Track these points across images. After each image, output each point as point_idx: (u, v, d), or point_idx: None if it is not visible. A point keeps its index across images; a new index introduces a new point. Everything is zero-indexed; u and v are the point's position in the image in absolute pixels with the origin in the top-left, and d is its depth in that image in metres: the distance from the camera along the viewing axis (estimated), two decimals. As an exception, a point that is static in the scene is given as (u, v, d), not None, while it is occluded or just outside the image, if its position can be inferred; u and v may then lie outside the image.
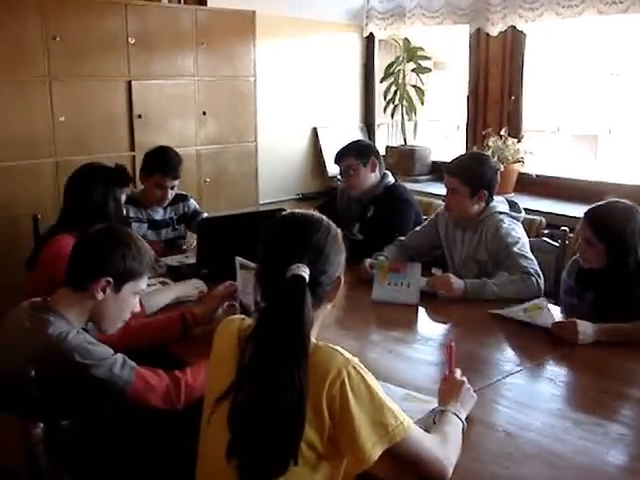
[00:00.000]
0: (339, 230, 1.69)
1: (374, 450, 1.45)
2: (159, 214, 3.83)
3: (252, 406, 1.45)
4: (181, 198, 3.91)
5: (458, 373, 1.96)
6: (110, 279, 2.02)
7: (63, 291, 2.07)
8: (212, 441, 1.57)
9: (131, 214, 3.66)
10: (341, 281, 1.64)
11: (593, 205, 2.70)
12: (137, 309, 2.19)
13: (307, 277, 1.50)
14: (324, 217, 1.67)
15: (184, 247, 3.78)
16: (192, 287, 2.94)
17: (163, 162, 3.69)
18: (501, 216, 3.11)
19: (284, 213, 1.68)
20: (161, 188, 3.67)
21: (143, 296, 2.54)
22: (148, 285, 2.85)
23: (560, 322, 2.51)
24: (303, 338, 1.47)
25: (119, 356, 2.02)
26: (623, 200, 2.67)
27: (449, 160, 3.32)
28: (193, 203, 3.98)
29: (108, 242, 2.06)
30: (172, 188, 3.71)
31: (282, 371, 1.43)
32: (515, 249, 2.98)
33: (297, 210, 1.71)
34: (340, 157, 3.77)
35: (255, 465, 1.43)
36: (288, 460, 1.41)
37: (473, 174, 3.10)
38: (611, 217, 2.63)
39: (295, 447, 1.41)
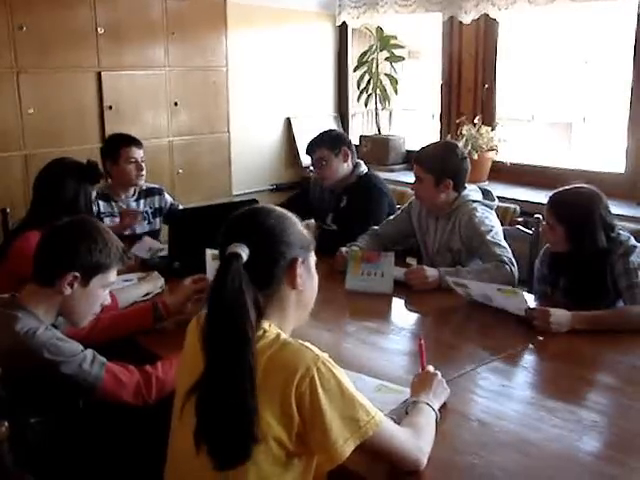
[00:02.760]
0: (298, 219, 1.66)
1: (346, 446, 1.43)
2: (132, 207, 3.77)
3: (209, 388, 1.44)
4: (156, 192, 3.87)
5: (431, 368, 1.95)
6: (77, 274, 1.99)
7: (30, 287, 2.03)
8: (182, 435, 1.54)
9: (102, 209, 3.63)
10: (297, 262, 1.59)
11: (557, 189, 2.72)
12: (107, 302, 2.16)
13: (244, 255, 1.49)
14: (281, 209, 1.66)
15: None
16: (159, 281, 2.92)
17: (122, 137, 3.74)
18: (474, 204, 3.11)
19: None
20: (132, 162, 3.66)
21: (115, 291, 2.52)
22: (125, 280, 2.86)
23: (534, 309, 2.52)
24: (239, 314, 1.44)
25: (89, 352, 1.99)
26: (587, 185, 2.69)
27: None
28: (169, 197, 3.95)
29: (73, 236, 2.02)
30: (143, 162, 3.70)
31: (222, 348, 1.43)
32: (489, 237, 2.98)
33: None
34: (312, 148, 3.75)
35: (219, 448, 1.42)
36: (247, 441, 1.39)
37: (436, 163, 3.09)
38: (570, 201, 2.66)
39: (248, 426, 1.39)
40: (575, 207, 2.63)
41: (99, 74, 4.42)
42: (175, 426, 1.61)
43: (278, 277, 1.58)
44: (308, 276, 1.65)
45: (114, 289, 2.41)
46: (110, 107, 4.48)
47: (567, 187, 2.70)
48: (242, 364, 1.41)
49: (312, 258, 1.68)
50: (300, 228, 1.64)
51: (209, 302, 1.49)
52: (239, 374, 1.40)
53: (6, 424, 1.54)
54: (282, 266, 1.57)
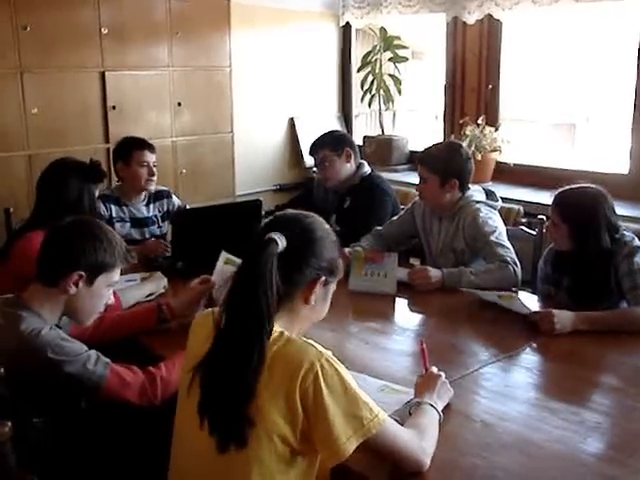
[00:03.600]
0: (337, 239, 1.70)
1: (349, 444, 1.43)
2: (142, 212, 3.74)
3: (219, 358, 1.48)
4: (165, 194, 3.85)
5: (434, 369, 1.95)
6: (82, 273, 1.99)
7: (35, 287, 2.04)
8: (188, 432, 1.55)
9: (113, 214, 3.62)
10: (319, 279, 1.61)
11: (562, 188, 2.72)
12: (111, 301, 2.17)
13: (281, 245, 1.51)
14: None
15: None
16: (162, 281, 2.92)
17: (135, 140, 3.70)
18: (478, 205, 3.11)
19: None
20: (144, 165, 3.63)
21: (119, 291, 2.52)
22: (128, 280, 2.87)
23: (537, 312, 2.51)
24: (265, 293, 1.47)
25: (93, 352, 1.99)
26: (593, 185, 2.69)
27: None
28: (177, 200, 3.92)
29: (78, 236, 2.03)
30: (155, 166, 3.67)
31: (241, 321, 1.47)
32: (492, 238, 2.97)
33: None
34: (314, 149, 3.75)
35: (218, 423, 1.45)
36: (241, 420, 1.42)
37: (442, 163, 3.10)
38: (574, 200, 2.67)
39: (243, 404, 1.42)
40: (579, 206, 2.63)
41: (103, 74, 4.41)
42: (178, 426, 1.61)
43: (297, 283, 1.59)
44: (322, 299, 1.68)
45: (117, 289, 2.41)
46: (114, 107, 4.48)
47: (573, 186, 2.70)
48: (257, 341, 1.45)
49: (333, 287, 1.71)
50: (337, 256, 1.68)
51: (236, 276, 1.53)
52: (250, 351, 1.44)
53: (9, 424, 1.54)
54: (305, 275, 1.60)
